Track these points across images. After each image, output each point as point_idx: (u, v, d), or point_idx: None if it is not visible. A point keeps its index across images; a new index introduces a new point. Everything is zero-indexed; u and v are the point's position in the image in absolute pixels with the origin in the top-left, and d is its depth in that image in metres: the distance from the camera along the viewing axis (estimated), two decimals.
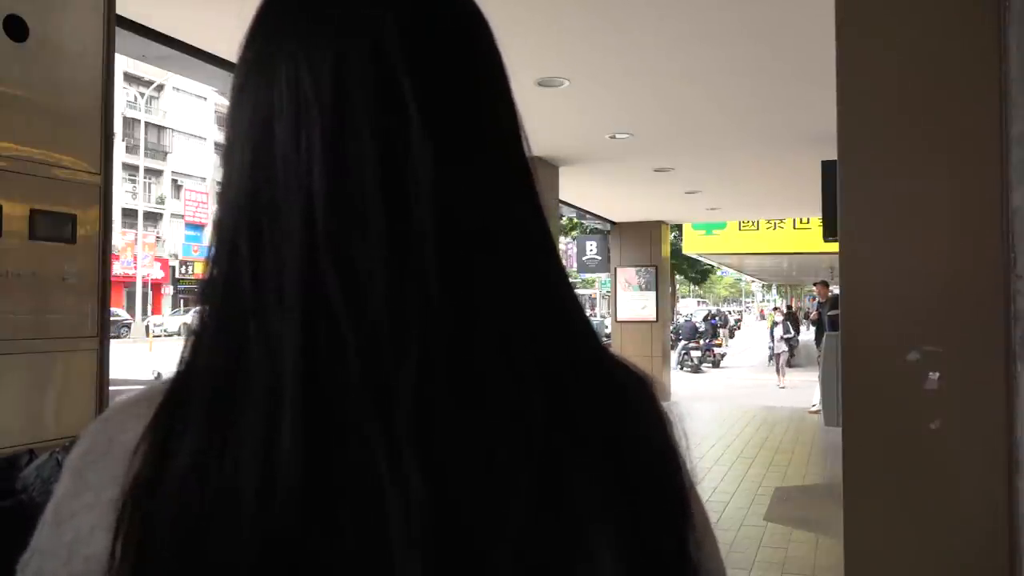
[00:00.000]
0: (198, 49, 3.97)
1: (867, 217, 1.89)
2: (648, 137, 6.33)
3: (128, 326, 31.09)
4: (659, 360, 11.76)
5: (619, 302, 12.12)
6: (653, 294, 11.93)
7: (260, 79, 0.50)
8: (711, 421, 10.20)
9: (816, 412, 9.87)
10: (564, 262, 0.58)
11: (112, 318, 2.14)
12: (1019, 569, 1.69)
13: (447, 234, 0.47)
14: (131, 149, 38.48)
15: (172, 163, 42.72)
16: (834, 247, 2.17)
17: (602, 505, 0.48)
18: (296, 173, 0.47)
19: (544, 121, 5.48)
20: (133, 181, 39.18)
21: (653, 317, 11.91)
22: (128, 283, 36.74)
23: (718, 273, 44.16)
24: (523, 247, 0.51)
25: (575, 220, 13.81)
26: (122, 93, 36.05)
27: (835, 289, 7.77)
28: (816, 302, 13.06)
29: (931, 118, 1.84)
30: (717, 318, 25.16)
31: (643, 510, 0.50)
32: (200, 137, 43.67)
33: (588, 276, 21.73)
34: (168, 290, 40.79)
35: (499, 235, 0.50)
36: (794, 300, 38.41)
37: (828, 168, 5.56)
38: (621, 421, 0.52)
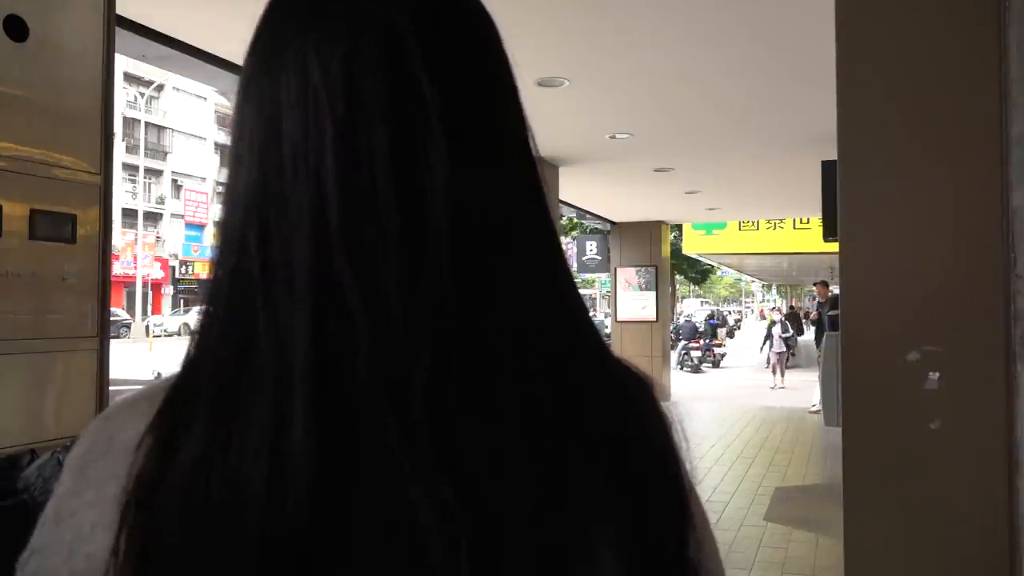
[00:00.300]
0: (198, 49, 3.96)
1: (867, 217, 1.89)
2: (648, 137, 6.33)
3: (128, 326, 31.08)
4: (659, 360, 11.76)
5: (619, 302, 12.12)
6: (653, 294, 11.93)
7: (268, 75, 0.50)
8: (711, 421, 10.20)
9: (816, 412, 9.87)
10: None
11: (112, 318, 2.14)
12: (1019, 569, 1.69)
13: (460, 231, 0.47)
14: (131, 149, 38.48)
15: (172, 163, 42.72)
16: (834, 247, 2.17)
17: (604, 505, 0.48)
18: (306, 167, 0.47)
19: (544, 121, 5.48)
20: (133, 181, 39.18)
21: (653, 317, 11.91)
22: (128, 283, 36.74)
23: (718, 273, 44.17)
24: (532, 247, 0.52)
25: (575, 220, 13.80)
26: (122, 93, 36.05)
27: (835, 289, 7.77)
28: (816, 302, 13.06)
29: (931, 118, 1.84)
30: (716, 318, 25.16)
31: (644, 511, 0.50)
32: (200, 137, 43.66)
33: (588, 276, 21.74)
34: (168, 290, 40.79)
35: (509, 234, 0.50)
36: (794, 300, 38.42)
37: (828, 168, 5.56)
38: (623, 422, 0.52)
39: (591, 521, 0.47)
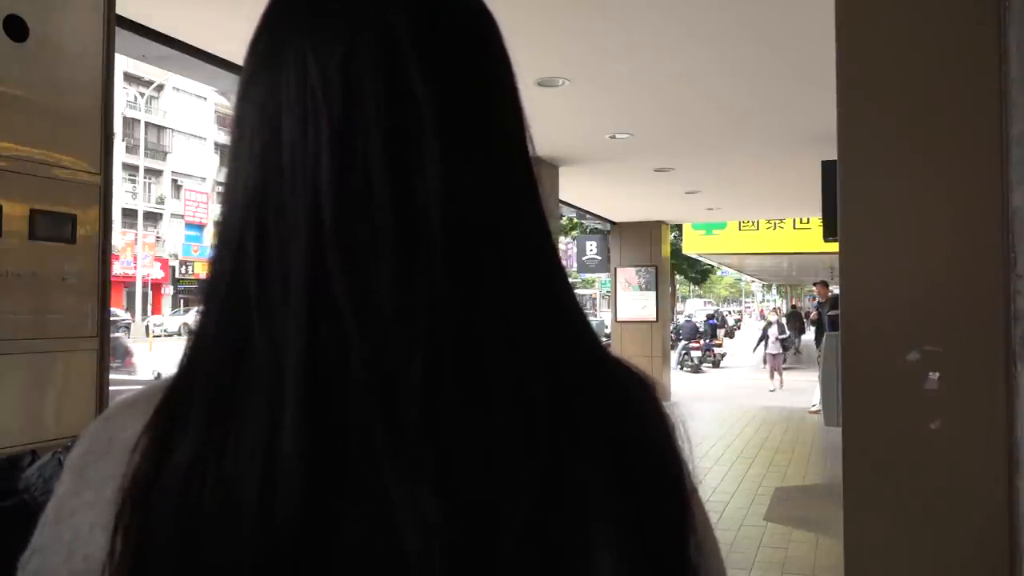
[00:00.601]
0: (198, 49, 3.96)
1: (867, 217, 1.89)
2: (648, 137, 6.33)
3: (127, 326, 31.00)
4: (659, 360, 11.76)
5: (619, 302, 12.12)
6: (653, 294, 11.93)
7: (267, 74, 0.50)
8: (711, 421, 10.20)
9: (816, 412, 9.87)
10: (564, 262, 0.58)
11: (111, 318, 2.14)
12: (1019, 569, 1.69)
13: (454, 231, 0.47)
14: (131, 149, 38.47)
15: (172, 163, 42.71)
16: (834, 247, 2.17)
17: (603, 505, 0.48)
18: (303, 168, 0.47)
19: (544, 121, 5.48)
20: (133, 181, 39.18)
21: (653, 317, 11.91)
22: (128, 283, 36.73)
23: (718, 273, 44.16)
24: (528, 247, 0.51)
25: (575, 220, 13.81)
26: (122, 93, 36.04)
27: (835, 289, 7.78)
28: (816, 302, 13.06)
29: (931, 118, 1.84)
30: (716, 318, 25.17)
31: (645, 511, 0.50)
32: (200, 137, 43.66)
33: (588, 276, 21.74)
34: (168, 290, 40.78)
35: (505, 234, 0.50)
36: (794, 300, 38.43)
37: (828, 168, 5.56)
38: (623, 422, 0.52)
39: (590, 521, 0.47)
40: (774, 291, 56.02)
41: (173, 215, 42.40)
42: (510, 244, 0.50)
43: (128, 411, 0.49)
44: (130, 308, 35.58)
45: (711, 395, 13.77)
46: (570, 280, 0.56)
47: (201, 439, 0.45)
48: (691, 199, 9.71)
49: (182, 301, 39.50)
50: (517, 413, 0.47)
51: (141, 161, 38.80)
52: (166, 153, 42.54)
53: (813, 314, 14.10)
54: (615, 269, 12.24)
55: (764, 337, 15.96)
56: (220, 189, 0.55)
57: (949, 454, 1.79)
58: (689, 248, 17.31)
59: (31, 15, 1.79)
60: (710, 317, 24.68)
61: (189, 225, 42.28)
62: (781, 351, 15.28)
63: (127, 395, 0.51)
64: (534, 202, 0.54)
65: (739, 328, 39.76)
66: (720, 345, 21.56)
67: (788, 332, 16.01)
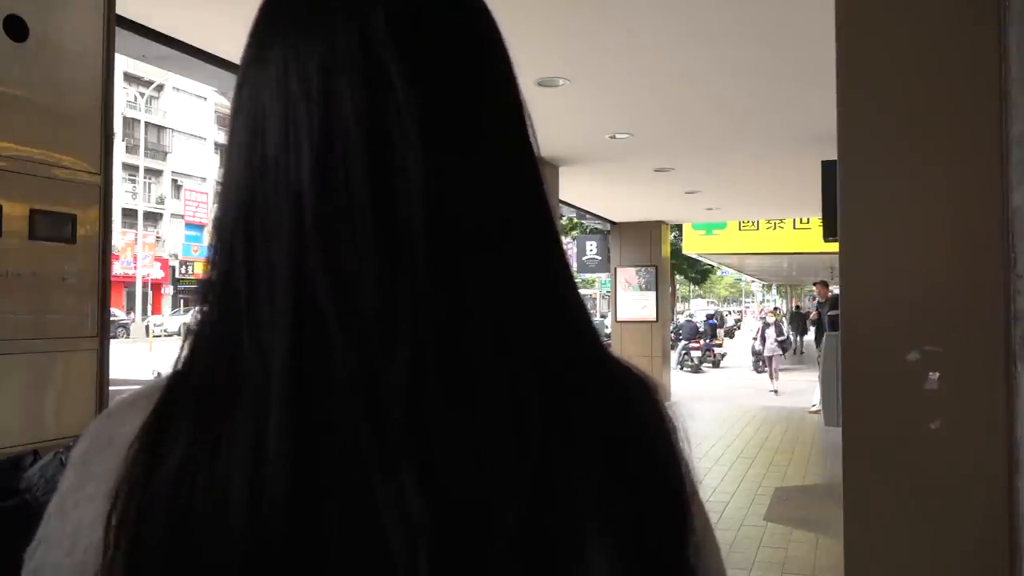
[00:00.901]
0: (198, 49, 3.97)
1: (867, 217, 1.89)
2: (648, 137, 6.33)
3: (125, 326, 30.95)
4: (659, 360, 11.76)
5: (619, 302, 12.12)
6: (653, 294, 11.93)
7: (255, 78, 0.51)
8: (711, 421, 10.20)
9: (816, 412, 9.87)
10: None
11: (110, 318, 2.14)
12: (1019, 569, 1.69)
13: (438, 230, 0.47)
14: (131, 149, 38.48)
15: (172, 163, 42.72)
16: (834, 247, 2.17)
17: (598, 506, 0.48)
18: (286, 171, 0.47)
19: (544, 121, 5.44)
20: (133, 181, 39.19)
21: (653, 317, 11.91)
22: (128, 283, 36.74)
23: (718, 273, 44.17)
24: (521, 243, 0.51)
25: (575, 220, 13.80)
26: (122, 93, 36.05)
27: (835, 289, 7.77)
28: (816, 302, 13.06)
29: (931, 118, 1.84)
30: (715, 318, 25.17)
31: (641, 512, 0.49)
32: (200, 137, 43.67)
33: (588, 276, 21.74)
34: (168, 290, 40.80)
35: (494, 231, 0.49)
36: (794, 300, 38.43)
37: (828, 168, 5.56)
38: (621, 423, 0.52)
39: (584, 522, 0.47)
40: (774, 291, 56.00)
41: (173, 215, 42.41)
42: (501, 242, 0.49)
43: (128, 408, 0.50)
44: (130, 308, 35.59)
45: (711, 395, 13.77)
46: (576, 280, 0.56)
47: (193, 439, 0.45)
48: (691, 199, 9.71)
49: (182, 301, 39.50)
50: (506, 413, 0.46)
51: (141, 161, 38.81)
52: (166, 153, 42.54)
53: (813, 314, 14.07)
54: (615, 269, 12.24)
55: (762, 338, 15.81)
56: (218, 189, 0.56)
57: (949, 454, 1.79)
58: (689, 248, 17.32)
59: (31, 15, 1.79)
60: (710, 317, 24.68)
61: (189, 225, 42.27)
62: (779, 352, 15.16)
63: (128, 393, 0.52)
64: (538, 200, 0.53)
65: (739, 328, 39.75)
66: (720, 345, 21.54)
67: (786, 334, 15.89)
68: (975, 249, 1.79)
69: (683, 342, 19.46)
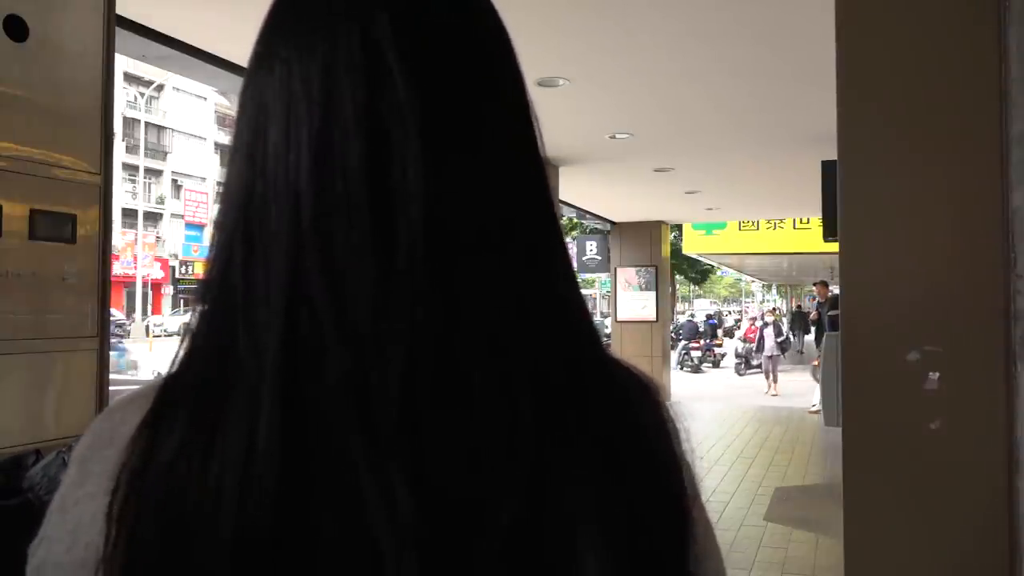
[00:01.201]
0: (198, 49, 3.96)
1: (867, 217, 1.89)
2: (648, 137, 6.33)
3: (121, 326, 30.78)
4: (659, 360, 11.76)
5: (619, 302, 12.12)
6: (653, 294, 11.93)
7: (260, 79, 0.51)
8: (711, 421, 10.20)
9: (816, 412, 9.87)
10: None
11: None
12: (1019, 569, 1.69)
13: (436, 231, 0.47)
14: (131, 149, 38.46)
15: (172, 163, 42.71)
16: (834, 247, 2.17)
17: (593, 507, 0.47)
18: (285, 172, 0.48)
19: (544, 121, 5.43)
20: (133, 181, 39.17)
21: (653, 317, 11.91)
22: (128, 283, 36.73)
23: (718, 273, 44.15)
24: (524, 244, 0.51)
25: (575, 220, 13.80)
26: (122, 93, 36.03)
27: (835, 289, 7.77)
28: (816, 302, 13.06)
29: (931, 118, 1.84)
30: (715, 318, 25.17)
31: (639, 514, 0.49)
32: (200, 137, 43.66)
33: (588, 276, 21.73)
34: (168, 290, 40.79)
35: (496, 232, 0.49)
36: (794, 300, 38.42)
37: (828, 168, 5.56)
38: (619, 424, 0.51)
39: (579, 523, 0.47)
40: (774, 291, 55.97)
41: (173, 215, 42.40)
42: (500, 243, 0.49)
43: (129, 407, 0.50)
44: (130, 308, 35.58)
45: (711, 395, 13.77)
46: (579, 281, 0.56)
47: (188, 438, 0.45)
48: (691, 199, 9.71)
49: (182, 301, 39.48)
50: (499, 413, 0.46)
51: (141, 161, 38.79)
52: (166, 153, 42.53)
53: (813, 314, 14.06)
54: (615, 269, 12.24)
55: (760, 339, 15.63)
56: (220, 190, 0.56)
57: (949, 454, 1.79)
58: (689, 248, 17.32)
59: (31, 15, 1.79)
60: (709, 317, 24.68)
61: (189, 225, 42.27)
62: (778, 353, 14.96)
63: (128, 392, 0.52)
64: (543, 201, 0.53)
65: (739, 328, 39.74)
66: (720, 345, 21.55)
67: (785, 335, 15.72)
68: (975, 249, 1.79)
69: (683, 342, 19.46)
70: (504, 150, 0.52)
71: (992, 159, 1.76)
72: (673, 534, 0.51)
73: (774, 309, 22.21)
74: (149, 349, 23.97)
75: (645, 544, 0.49)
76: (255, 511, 0.43)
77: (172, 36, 3.81)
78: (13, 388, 1.77)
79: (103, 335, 1.96)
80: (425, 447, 0.45)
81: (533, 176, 0.53)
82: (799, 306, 25.71)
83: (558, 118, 5.53)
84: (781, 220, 14.82)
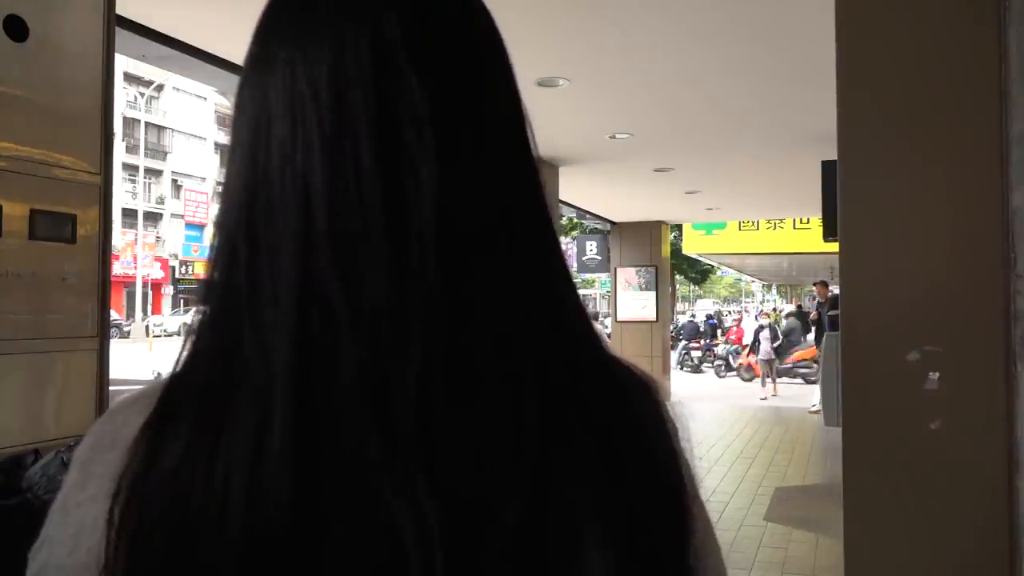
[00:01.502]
0: (198, 49, 3.97)
1: (867, 217, 1.89)
2: (648, 137, 6.33)
3: (119, 326, 30.73)
4: (659, 360, 11.76)
5: (619, 302, 12.12)
6: (653, 294, 11.93)
7: (259, 79, 0.50)
8: (711, 421, 10.19)
9: (816, 412, 9.87)
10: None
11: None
12: (1019, 569, 1.69)
13: (447, 233, 0.47)
14: (131, 149, 38.46)
15: (172, 163, 42.70)
16: (834, 247, 2.17)
17: (594, 506, 0.47)
18: (293, 172, 0.47)
19: (544, 121, 5.48)
20: (133, 181, 39.17)
21: (653, 317, 11.91)
22: (128, 283, 36.73)
23: (718, 273, 44.16)
24: (524, 246, 0.51)
25: (575, 220, 13.80)
26: (122, 93, 36.04)
27: (835, 289, 7.78)
28: (816, 302, 13.05)
29: (931, 118, 1.84)
30: (714, 318, 25.15)
31: (638, 512, 0.49)
32: (200, 137, 43.66)
33: (588, 276, 21.74)
34: (168, 290, 40.79)
35: (500, 233, 0.49)
36: (794, 300, 38.41)
37: (828, 168, 5.56)
38: (620, 423, 0.51)
39: (582, 522, 0.47)
40: (774, 291, 55.96)
41: (173, 215, 42.39)
42: (506, 244, 0.49)
43: (131, 408, 0.50)
44: (130, 308, 35.56)
45: (711, 395, 13.76)
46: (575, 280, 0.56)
47: (192, 440, 0.45)
48: (691, 199, 9.71)
49: (182, 301, 39.49)
50: (505, 413, 0.46)
51: (141, 161, 38.79)
52: (166, 153, 42.53)
53: (813, 314, 14.04)
54: (615, 269, 12.24)
55: (756, 341, 15.38)
56: (219, 190, 0.55)
57: (949, 454, 1.79)
58: (689, 248, 17.32)
59: (31, 15, 1.79)
60: (709, 317, 24.65)
61: (189, 225, 42.27)
62: (774, 357, 14.59)
63: (130, 393, 0.52)
64: (538, 201, 0.53)
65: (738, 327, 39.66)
66: (719, 345, 21.53)
67: (781, 339, 15.44)
68: (975, 249, 1.79)
69: (683, 342, 19.46)
70: (505, 150, 0.52)
71: (992, 159, 1.76)
72: (673, 532, 0.51)
73: (772, 310, 22.13)
74: (149, 349, 23.97)
75: (645, 543, 0.49)
76: (267, 511, 0.43)
77: (172, 36, 3.81)
78: (13, 388, 1.77)
79: (103, 335, 1.96)
80: (438, 447, 0.45)
81: (530, 176, 0.53)
82: (799, 305, 25.68)
83: (558, 118, 5.53)
84: (781, 220, 14.82)
